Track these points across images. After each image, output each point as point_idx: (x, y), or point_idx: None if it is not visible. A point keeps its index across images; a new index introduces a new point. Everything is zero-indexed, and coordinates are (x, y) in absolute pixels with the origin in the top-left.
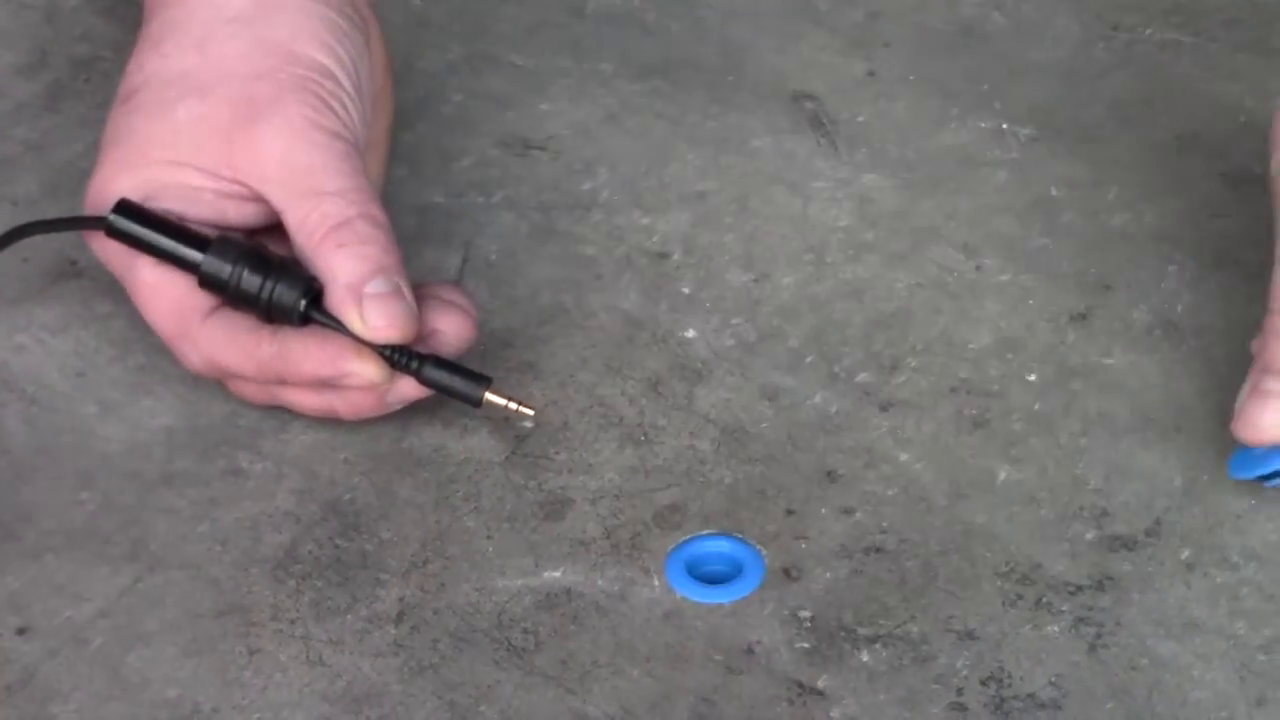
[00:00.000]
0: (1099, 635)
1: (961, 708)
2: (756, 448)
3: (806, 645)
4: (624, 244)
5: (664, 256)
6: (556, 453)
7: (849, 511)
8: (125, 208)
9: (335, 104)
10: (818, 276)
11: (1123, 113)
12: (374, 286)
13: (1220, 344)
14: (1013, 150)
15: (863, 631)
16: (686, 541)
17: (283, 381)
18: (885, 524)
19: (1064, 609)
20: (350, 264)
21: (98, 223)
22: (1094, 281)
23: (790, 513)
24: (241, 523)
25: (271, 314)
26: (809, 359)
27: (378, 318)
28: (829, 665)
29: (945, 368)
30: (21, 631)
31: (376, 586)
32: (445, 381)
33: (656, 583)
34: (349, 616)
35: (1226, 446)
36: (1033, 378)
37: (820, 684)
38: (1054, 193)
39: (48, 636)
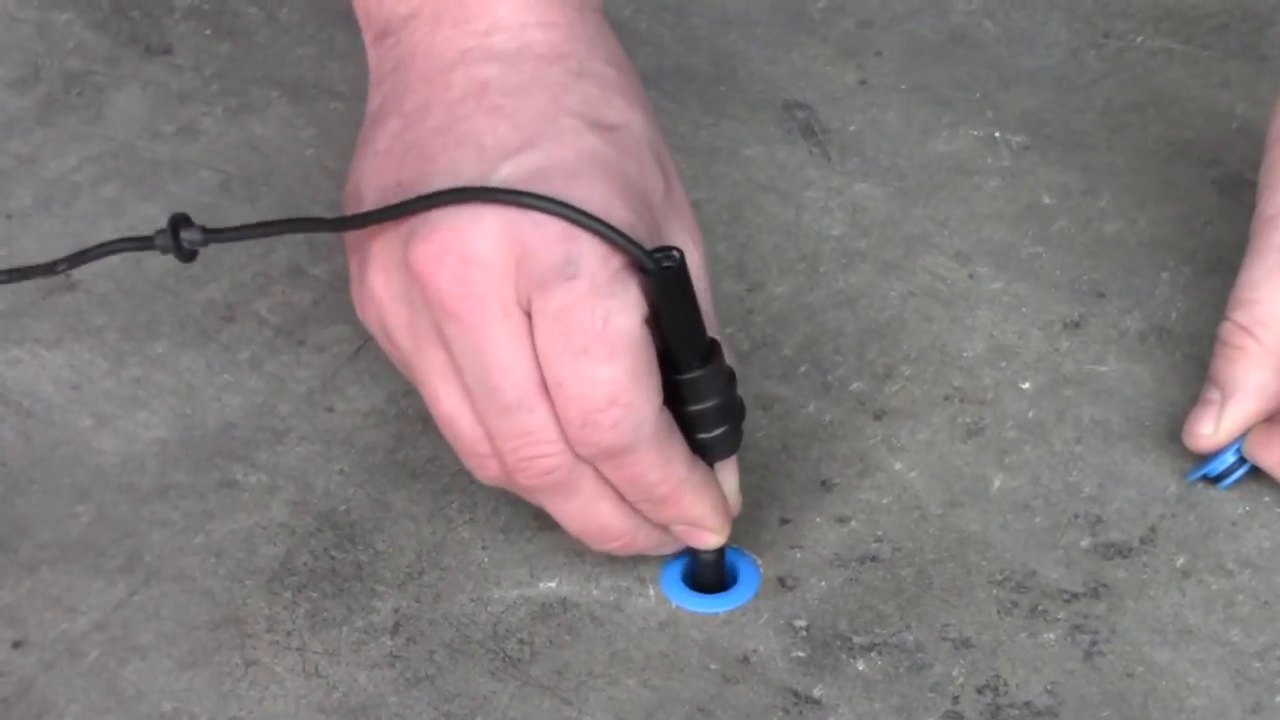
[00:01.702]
0: (1094, 643)
1: (957, 716)
2: (751, 457)
3: (802, 654)
4: None
5: None
6: None
7: (844, 520)
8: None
9: None
10: (810, 285)
11: (1114, 120)
12: None
13: (1211, 351)
14: (1005, 158)
15: (858, 640)
16: (682, 551)
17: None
18: (880, 532)
19: (1059, 616)
20: None
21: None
22: (1087, 289)
23: (785, 522)
24: (236, 535)
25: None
26: (802, 368)
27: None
28: (825, 674)
29: (939, 376)
30: (17, 645)
31: (372, 598)
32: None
33: (651, 592)
34: (345, 628)
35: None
36: (1026, 385)
37: (816, 693)
38: (1046, 200)
39: (43, 650)
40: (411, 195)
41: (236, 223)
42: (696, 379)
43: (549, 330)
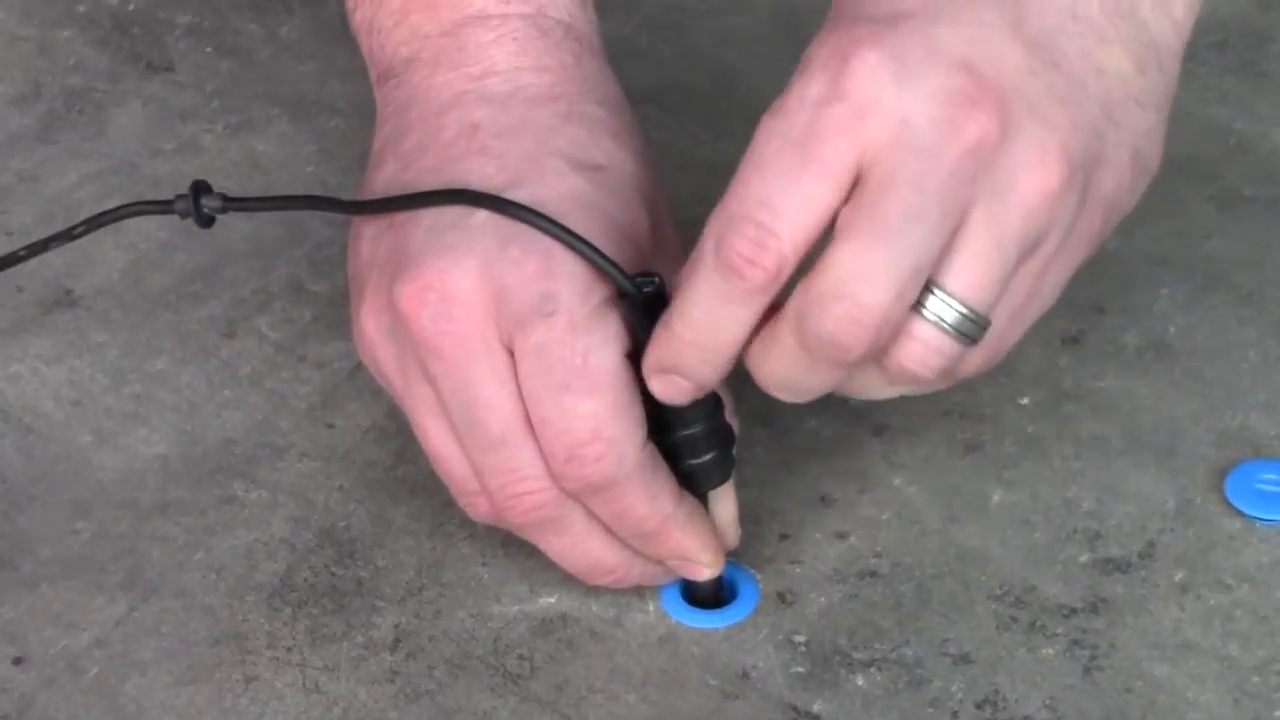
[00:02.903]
0: (1093, 658)
1: None
2: (750, 472)
3: (801, 669)
4: None
5: None
6: None
7: (843, 536)
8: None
9: None
10: None
11: None
12: None
13: (1212, 366)
14: None
15: (858, 655)
16: None
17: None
18: (879, 548)
19: (1058, 631)
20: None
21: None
22: (1085, 304)
23: (784, 537)
24: (237, 551)
25: (680, 474)
26: None
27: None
28: (824, 689)
29: (937, 391)
30: (18, 661)
31: (372, 614)
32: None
33: (651, 608)
34: (345, 644)
35: (1219, 469)
36: (1025, 401)
37: (815, 708)
38: None
39: (44, 666)
40: (403, 235)
41: (239, 233)
42: (681, 405)
43: (530, 367)
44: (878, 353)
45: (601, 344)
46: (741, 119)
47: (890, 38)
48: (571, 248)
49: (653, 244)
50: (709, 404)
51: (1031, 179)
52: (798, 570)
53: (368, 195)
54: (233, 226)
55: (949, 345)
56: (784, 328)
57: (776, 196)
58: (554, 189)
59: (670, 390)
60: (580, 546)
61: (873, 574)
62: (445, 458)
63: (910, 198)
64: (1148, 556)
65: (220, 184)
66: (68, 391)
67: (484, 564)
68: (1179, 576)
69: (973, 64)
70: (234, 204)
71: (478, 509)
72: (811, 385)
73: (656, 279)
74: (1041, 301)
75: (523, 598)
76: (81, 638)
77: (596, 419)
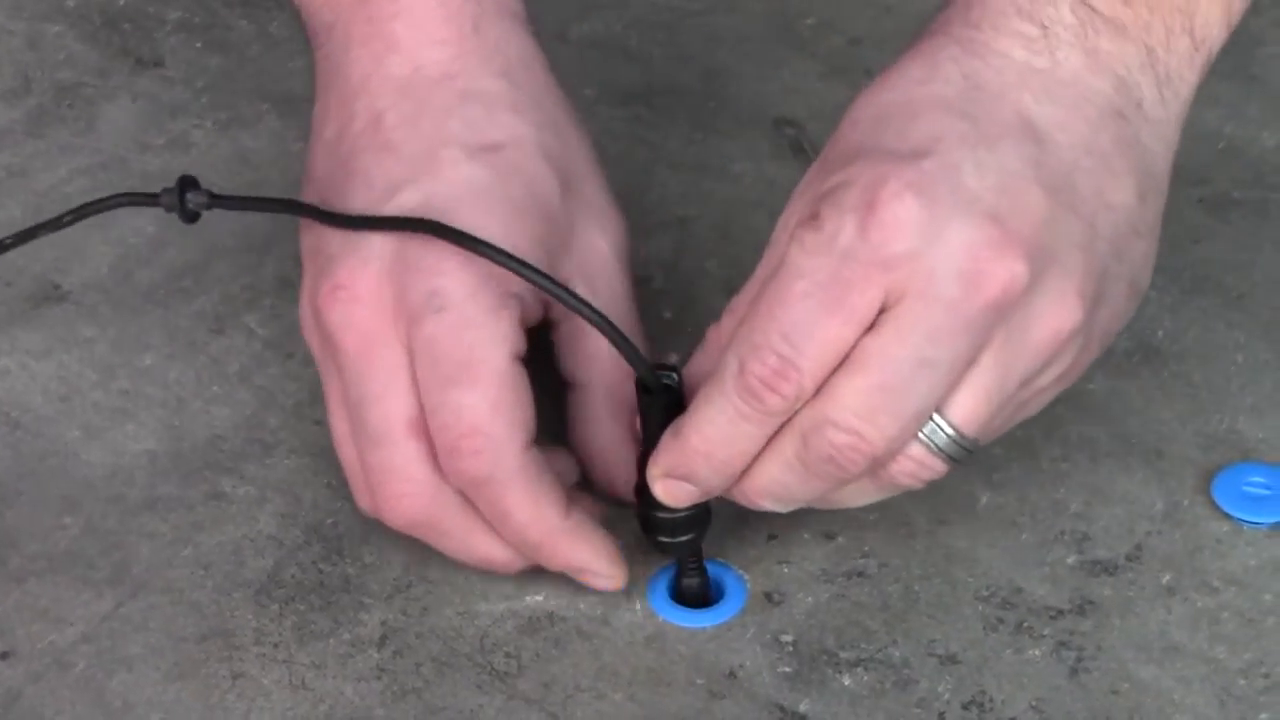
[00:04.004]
0: (1080, 659)
1: None
2: None
3: (788, 669)
4: None
5: (646, 281)
6: None
7: (830, 536)
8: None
9: None
10: None
11: None
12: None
13: (1200, 369)
14: None
15: (845, 655)
16: (669, 566)
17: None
18: (867, 548)
19: (1045, 633)
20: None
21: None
22: None
23: (772, 537)
24: (224, 547)
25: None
26: None
27: None
28: (811, 689)
29: None
30: (4, 656)
31: (359, 611)
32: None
33: (639, 606)
34: (332, 641)
35: (1207, 471)
36: None
37: (802, 708)
38: None
39: (31, 661)
40: (325, 232)
41: (228, 229)
42: (680, 507)
43: (421, 361)
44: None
45: (489, 340)
46: (732, 119)
47: (918, 182)
48: (569, 305)
49: (569, 206)
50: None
51: (1046, 327)
52: (785, 570)
53: (310, 177)
54: (222, 223)
55: (939, 465)
56: (786, 442)
57: (801, 334)
58: (448, 181)
59: (675, 494)
60: (468, 547)
61: (860, 574)
62: (341, 449)
63: (926, 348)
64: (1135, 559)
65: (209, 180)
66: (56, 386)
67: None
68: (1166, 579)
69: (998, 214)
70: (219, 201)
71: (361, 502)
72: (802, 495)
73: (676, 374)
74: (1025, 415)
75: (510, 595)
76: (68, 633)
77: (476, 413)
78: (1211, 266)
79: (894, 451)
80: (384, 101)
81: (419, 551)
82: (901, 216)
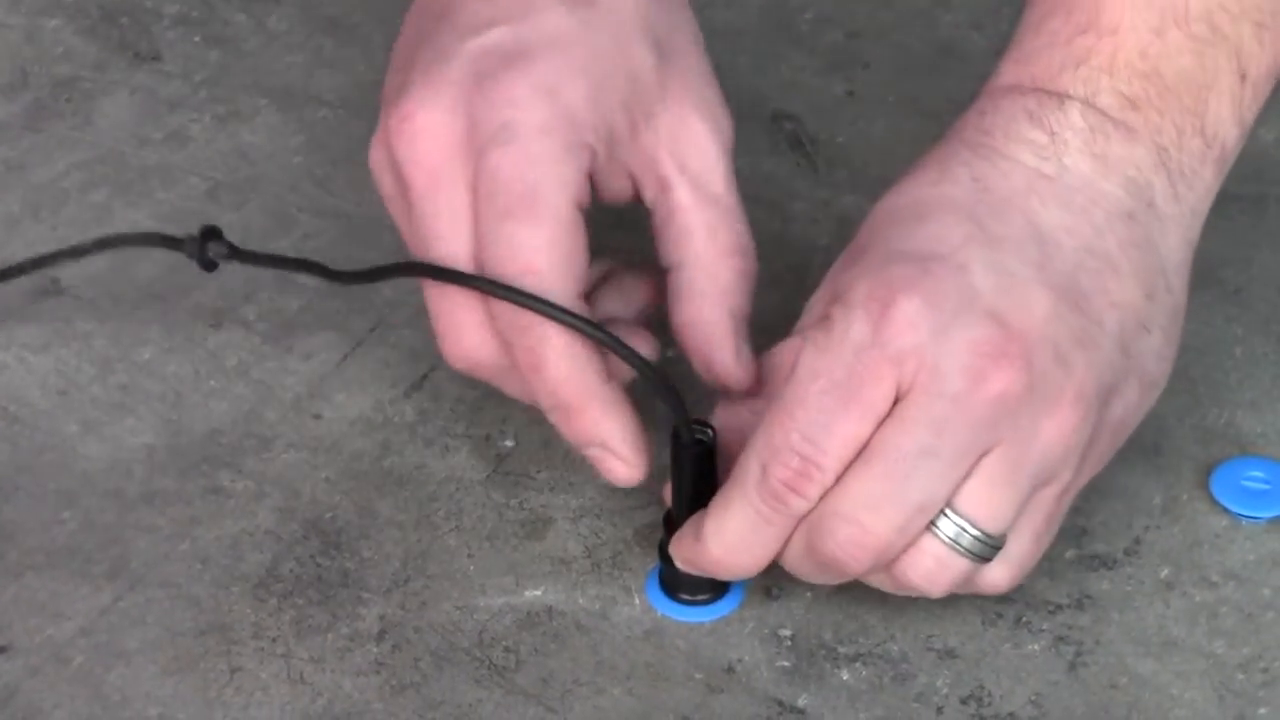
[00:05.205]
0: (1078, 654)
1: None
2: None
3: (787, 664)
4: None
5: None
6: (538, 471)
7: None
8: None
9: None
10: (798, 296)
11: None
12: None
13: (1198, 364)
14: None
15: (843, 650)
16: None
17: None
18: None
19: (1043, 628)
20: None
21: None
22: None
23: None
24: (222, 541)
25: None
26: None
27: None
28: (809, 684)
29: None
30: (3, 650)
31: (358, 605)
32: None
33: (637, 601)
34: (330, 635)
35: (1205, 466)
36: None
37: (801, 702)
38: None
39: (29, 655)
40: (409, 69)
41: (225, 224)
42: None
43: (481, 191)
44: (883, 567)
45: (554, 179)
46: (730, 115)
47: (926, 284)
48: (590, 335)
49: (661, 78)
50: None
51: (1050, 425)
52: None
53: (397, 44)
54: (220, 217)
55: (956, 562)
56: (798, 537)
57: (821, 433)
58: (537, 28)
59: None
60: (527, 391)
61: None
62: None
63: (930, 439)
64: (1133, 553)
65: (207, 174)
66: (54, 380)
67: (470, 556)
68: (1164, 573)
69: (1002, 315)
70: (239, 255)
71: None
72: (821, 581)
73: (711, 432)
74: (1058, 520)
75: (508, 590)
76: (66, 627)
77: (531, 250)
78: (1210, 261)
79: (897, 548)
80: None
81: (417, 546)
82: (909, 313)
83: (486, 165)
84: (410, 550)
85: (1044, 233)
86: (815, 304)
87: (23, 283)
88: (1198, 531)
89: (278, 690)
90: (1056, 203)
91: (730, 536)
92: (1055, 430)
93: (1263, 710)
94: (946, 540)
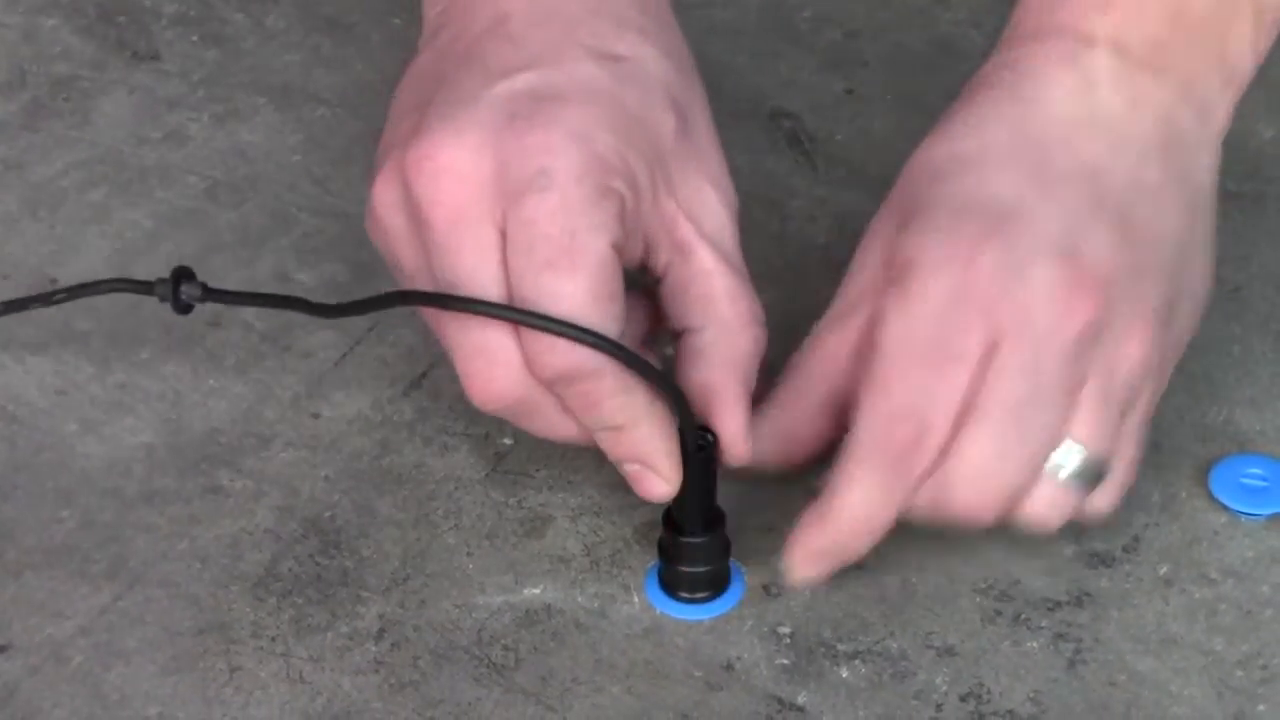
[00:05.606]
0: (1078, 651)
1: None
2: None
3: (786, 661)
4: None
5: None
6: (537, 470)
7: None
8: None
9: None
10: (796, 295)
11: None
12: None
13: (1197, 360)
14: None
15: (842, 648)
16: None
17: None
18: None
19: (1043, 625)
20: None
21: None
22: None
23: (770, 529)
24: (221, 540)
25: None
26: None
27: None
28: (808, 681)
29: None
30: (2, 649)
31: (357, 604)
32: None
33: (636, 599)
34: (329, 634)
35: (1204, 463)
36: None
37: (800, 700)
38: None
39: (28, 654)
40: (427, 112)
41: (225, 222)
42: (696, 544)
43: (517, 242)
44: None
45: (591, 227)
46: (728, 112)
47: (999, 235)
48: (615, 355)
49: (680, 145)
50: (721, 546)
51: (1130, 347)
52: (783, 563)
53: (404, 83)
54: (218, 215)
55: (1072, 493)
56: (923, 495)
57: (927, 393)
58: (568, 74)
59: (820, 571)
60: (550, 428)
61: (857, 566)
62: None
63: (1032, 383)
64: (1132, 550)
65: (206, 173)
66: (52, 380)
67: (469, 554)
68: (1163, 570)
69: (1072, 252)
70: (213, 295)
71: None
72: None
73: (711, 437)
74: (1145, 439)
75: (507, 588)
76: (65, 626)
77: (575, 301)
78: None
79: (1023, 491)
80: (513, 5)
81: (416, 545)
82: (989, 265)
83: (522, 213)
84: (409, 549)
85: (1092, 170)
86: (868, 254)
87: (20, 282)
88: (1197, 529)
89: (277, 689)
90: (1096, 141)
91: (859, 510)
92: (1136, 351)
93: (1261, 707)
94: (1063, 475)
